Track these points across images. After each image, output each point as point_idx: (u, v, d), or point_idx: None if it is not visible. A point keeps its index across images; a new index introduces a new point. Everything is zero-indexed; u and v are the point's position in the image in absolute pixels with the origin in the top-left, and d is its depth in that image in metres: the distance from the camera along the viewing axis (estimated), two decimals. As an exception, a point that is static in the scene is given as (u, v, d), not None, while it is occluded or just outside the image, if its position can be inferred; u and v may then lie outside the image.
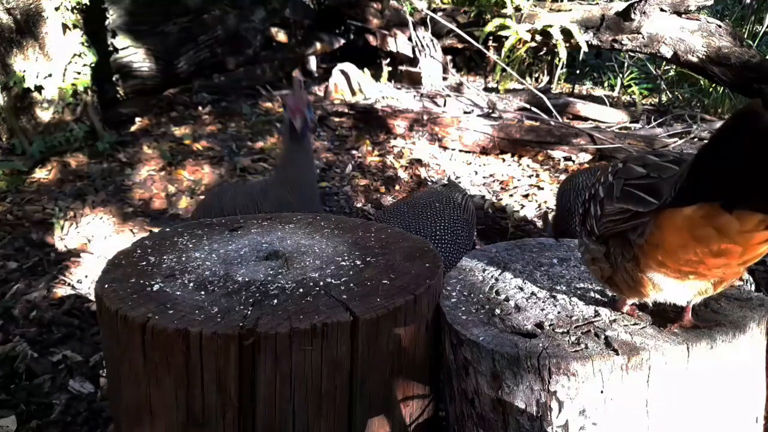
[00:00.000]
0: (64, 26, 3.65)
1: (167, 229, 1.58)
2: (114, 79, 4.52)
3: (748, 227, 0.85)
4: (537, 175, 3.87)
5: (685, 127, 4.51)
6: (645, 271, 1.01)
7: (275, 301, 1.19)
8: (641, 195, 0.96)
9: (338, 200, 3.44)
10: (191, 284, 1.26)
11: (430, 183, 3.71)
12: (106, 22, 4.38)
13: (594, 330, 1.13)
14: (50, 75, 3.61)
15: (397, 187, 3.64)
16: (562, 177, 3.84)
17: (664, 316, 1.15)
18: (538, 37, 5.26)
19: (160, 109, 4.65)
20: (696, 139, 4.17)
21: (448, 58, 6.17)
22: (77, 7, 3.75)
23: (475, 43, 5.34)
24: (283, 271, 1.32)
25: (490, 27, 5.34)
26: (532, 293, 1.29)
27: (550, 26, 5.07)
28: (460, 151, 4.28)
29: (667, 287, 1.03)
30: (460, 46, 5.90)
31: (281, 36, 5.78)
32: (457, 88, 5.48)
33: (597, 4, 5.18)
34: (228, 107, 4.85)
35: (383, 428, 1.24)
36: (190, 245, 1.45)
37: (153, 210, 3.22)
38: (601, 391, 1.05)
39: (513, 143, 4.20)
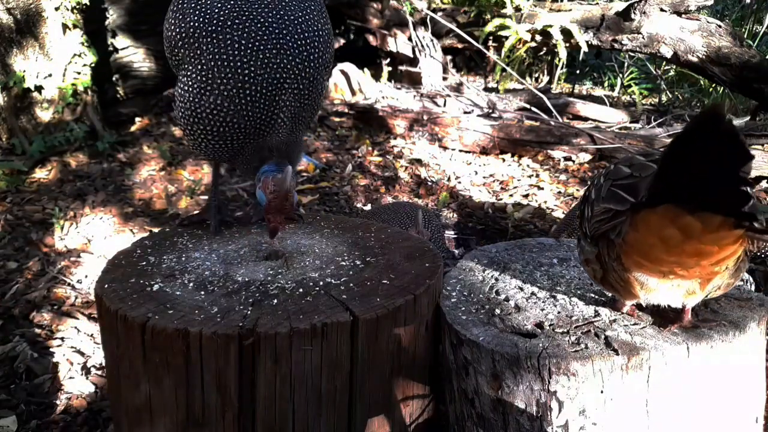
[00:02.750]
0: (64, 26, 3.65)
1: (167, 229, 1.58)
2: (114, 79, 4.51)
3: (711, 228, 0.85)
4: (537, 175, 3.87)
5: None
6: (628, 270, 1.02)
7: (275, 301, 1.19)
8: (622, 194, 0.98)
9: (338, 200, 3.44)
10: (191, 284, 1.26)
11: (429, 183, 3.72)
12: (106, 22, 4.37)
13: (594, 330, 1.13)
14: (50, 75, 3.61)
15: (397, 187, 3.64)
16: (562, 177, 3.84)
17: (664, 316, 1.15)
18: (538, 37, 5.26)
19: (160, 109, 4.65)
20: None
21: (448, 58, 6.17)
22: (77, 7, 3.75)
23: (475, 43, 5.34)
24: (283, 271, 1.32)
25: (490, 27, 5.34)
26: (532, 293, 1.29)
27: (550, 26, 5.07)
28: (460, 151, 4.28)
29: (654, 286, 1.03)
30: (460, 46, 5.90)
31: (281, 36, 5.76)
32: (457, 88, 5.48)
33: (597, 4, 5.18)
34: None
35: (383, 428, 1.24)
36: (190, 245, 1.45)
37: (153, 210, 3.22)
38: (601, 391, 1.05)
39: (513, 143, 4.20)
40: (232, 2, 1.33)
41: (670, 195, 0.85)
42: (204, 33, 1.32)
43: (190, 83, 1.34)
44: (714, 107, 0.76)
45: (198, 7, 1.34)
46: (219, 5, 1.33)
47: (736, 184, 0.79)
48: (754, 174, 3.21)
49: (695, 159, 0.79)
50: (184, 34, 1.34)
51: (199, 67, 1.32)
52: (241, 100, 1.30)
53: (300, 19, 1.34)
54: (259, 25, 1.31)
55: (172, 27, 1.37)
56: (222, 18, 1.31)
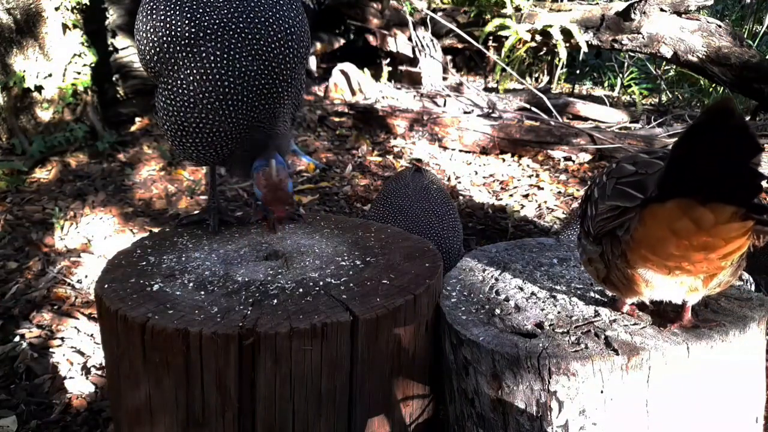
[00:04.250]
0: (64, 26, 3.65)
1: (167, 229, 1.58)
2: (114, 79, 4.51)
3: (723, 219, 0.86)
4: (537, 175, 3.87)
5: (685, 127, 4.51)
6: (634, 267, 1.03)
7: (275, 301, 1.19)
8: (629, 191, 0.98)
9: (338, 200, 3.44)
10: (191, 284, 1.25)
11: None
12: (106, 22, 4.37)
13: (594, 330, 1.13)
14: (50, 75, 3.61)
15: (397, 187, 3.64)
16: (562, 177, 3.84)
17: (664, 316, 1.16)
18: (538, 37, 5.26)
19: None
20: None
21: (448, 58, 6.17)
22: (77, 7, 3.75)
23: (475, 43, 5.34)
24: (283, 271, 1.32)
25: (490, 27, 5.34)
26: (532, 293, 1.29)
27: (550, 26, 5.07)
28: (460, 151, 4.28)
29: (658, 283, 1.03)
30: (460, 46, 5.90)
31: (281, 36, 5.76)
32: (457, 88, 5.48)
33: (597, 4, 5.18)
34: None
35: (383, 428, 1.24)
36: (190, 245, 1.45)
37: (153, 210, 3.22)
38: (601, 391, 1.05)
39: (513, 143, 4.20)
40: (201, 11, 1.31)
41: (680, 188, 0.85)
42: (178, 48, 1.30)
43: (172, 97, 1.33)
44: (724, 101, 0.76)
45: (167, 20, 1.31)
46: (189, 16, 1.31)
47: (747, 175, 0.79)
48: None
49: (705, 151, 0.79)
50: (158, 49, 1.32)
51: (178, 82, 1.32)
52: (224, 111, 1.30)
53: (271, 20, 1.33)
54: (231, 33, 1.29)
55: (145, 42, 1.35)
56: (194, 30, 1.29)
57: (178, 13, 1.31)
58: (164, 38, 1.31)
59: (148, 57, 1.35)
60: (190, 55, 1.30)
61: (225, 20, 1.30)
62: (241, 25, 1.30)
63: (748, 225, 0.88)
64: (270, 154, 1.32)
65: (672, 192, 0.87)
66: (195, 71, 1.29)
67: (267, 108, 1.34)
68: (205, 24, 1.30)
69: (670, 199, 0.88)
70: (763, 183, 0.80)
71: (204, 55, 1.29)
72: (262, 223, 1.59)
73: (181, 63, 1.30)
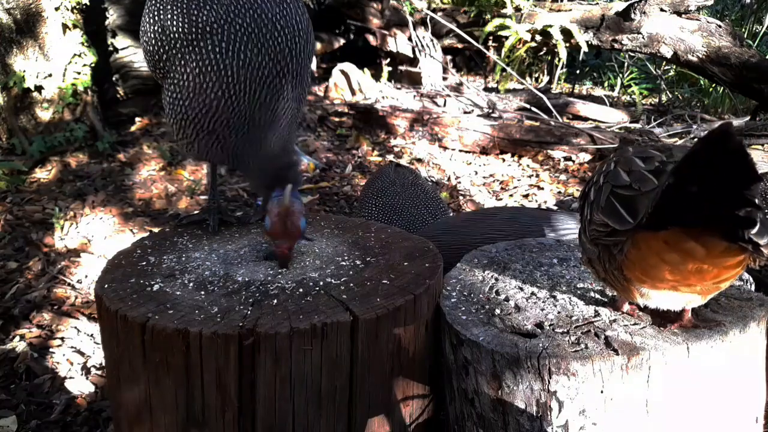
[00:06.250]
0: (64, 26, 3.65)
1: (167, 229, 1.58)
2: (114, 79, 4.51)
3: (715, 253, 0.85)
4: (537, 175, 3.87)
5: (685, 127, 4.51)
6: (630, 282, 1.03)
7: (275, 300, 1.19)
8: (620, 211, 0.95)
9: (338, 200, 3.44)
10: (191, 284, 1.25)
11: (430, 183, 3.71)
12: (106, 22, 4.38)
13: (594, 330, 1.13)
14: (50, 75, 3.61)
15: (397, 187, 3.64)
16: (562, 177, 3.84)
17: (664, 316, 1.15)
18: (538, 37, 5.26)
19: (160, 109, 4.65)
20: (696, 139, 4.17)
21: (448, 58, 6.17)
22: (77, 7, 3.75)
23: (475, 43, 5.34)
24: (283, 271, 1.32)
25: (490, 27, 5.34)
26: (532, 293, 1.29)
27: (550, 26, 5.07)
28: (460, 151, 4.28)
29: (654, 296, 1.04)
30: (460, 46, 5.90)
31: (281, 36, 5.76)
32: (457, 88, 5.48)
33: (597, 4, 5.18)
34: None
35: (383, 428, 1.24)
36: (190, 245, 1.45)
37: (153, 210, 3.22)
38: (601, 391, 1.05)
39: (513, 143, 4.20)
40: (208, 7, 1.34)
41: (672, 218, 0.83)
42: (186, 41, 1.33)
43: (178, 89, 1.36)
44: (723, 126, 0.72)
45: (175, 18, 1.35)
46: (196, 12, 1.34)
47: (740, 207, 0.76)
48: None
49: (700, 181, 0.76)
50: (167, 47, 1.35)
51: (185, 76, 1.34)
52: (228, 99, 1.32)
53: (278, 15, 1.36)
54: (238, 26, 1.33)
55: (154, 42, 1.38)
56: (201, 24, 1.33)
57: (185, 10, 1.35)
58: (173, 35, 1.34)
59: (157, 57, 1.39)
60: (197, 48, 1.33)
61: (233, 15, 1.34)
62: (248, 20, 1.34)
63: (740, 258, 0.87)
64: (289, 183, 1.29)
65: (664, 221, 0.84)
66: (201, 61, 1.32)
67: (270, 103, 1.34)
68: (213, 18, 1.33)
69: (662, 228, 0.85)
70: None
71: (211, 46, 1.32)
72: (262, 223, 1.59)
73: (188, 56, 1.33)
